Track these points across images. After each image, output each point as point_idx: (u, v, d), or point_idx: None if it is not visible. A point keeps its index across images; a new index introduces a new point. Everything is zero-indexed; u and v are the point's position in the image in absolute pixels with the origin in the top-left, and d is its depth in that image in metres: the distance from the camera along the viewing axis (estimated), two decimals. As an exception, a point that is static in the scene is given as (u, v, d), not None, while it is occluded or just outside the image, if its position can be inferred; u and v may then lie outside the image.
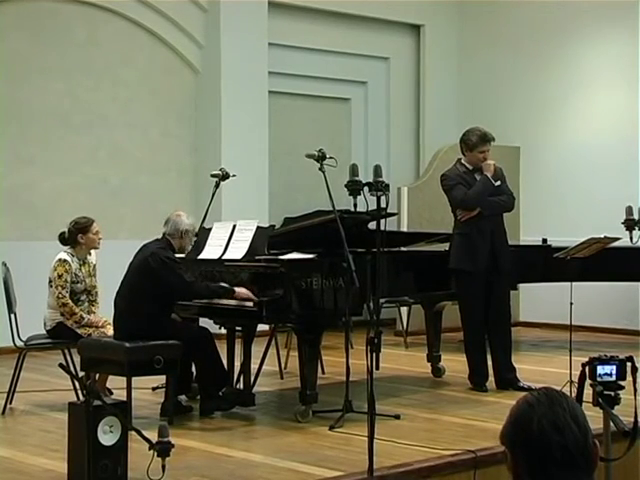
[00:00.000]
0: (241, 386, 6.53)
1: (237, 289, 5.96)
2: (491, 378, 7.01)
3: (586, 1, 10.86)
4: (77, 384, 5.90)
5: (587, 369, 3.52)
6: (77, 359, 6.22)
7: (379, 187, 5.21)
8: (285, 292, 5.78)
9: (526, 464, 2.08)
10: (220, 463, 5.02)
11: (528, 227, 10.53)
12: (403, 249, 7.42)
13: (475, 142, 6.94)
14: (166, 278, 5.99)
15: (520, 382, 6.91)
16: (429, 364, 7.66)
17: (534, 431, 2.07)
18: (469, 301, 7.00)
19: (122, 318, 6.11)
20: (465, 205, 6.95)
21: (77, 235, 6.64)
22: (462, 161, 7.09)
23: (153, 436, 4.32)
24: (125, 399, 5.56)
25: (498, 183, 7.00)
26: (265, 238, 6.30)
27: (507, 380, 6.95)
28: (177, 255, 6.23)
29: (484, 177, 6.96)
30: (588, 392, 3.51)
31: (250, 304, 5.91)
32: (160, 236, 6.25)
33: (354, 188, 5.42)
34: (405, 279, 6.97)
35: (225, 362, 6.41)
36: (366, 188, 5.31)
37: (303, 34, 10.91)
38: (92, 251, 6.78)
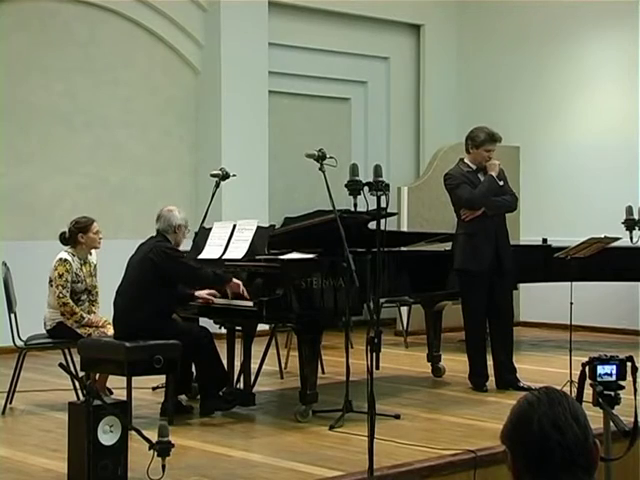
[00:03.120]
0: (241, 386, 6.54)
1: (235, 279, 6.04)
2: (491, 378, 7.01)
3: (586, 1, 10.86)
4: (77, 384, 5.90)
5: (587, 369, 3.52)
6: (77, 359, 6.22)
7: (379, 187, 5.21)
8: (285, 292, 5.78)
9: (526, 463, 2.08)
10: (220, 463, 5.02)
11: (528, 227, 10.53)
12: (403, 249, 7.42)
13: (483, 139, 6.94)
14: (172, 269, 6.02)
15: (520, 382, 6.91)
16: (429, 364, 7.65)
17: (534, 430, 2.07)
18: (472, 301, 6.99)
19: (122, 318, 6.11)
20: (471, 204, 6.93)
21: (78, 235, 6.64)
22: (465, 160, 7.08)
23: (153, 436, 4.32)
24: (125, 399, 5.56)
25: (501, 183, 7.01)
26: (265, 238, 6.30)
27: (507, 380, 6.95)
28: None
29: (490, 177, 6.95)
30: (588, 392, 3.50)
31: (249, 303, 5.91)
32: (154, 234, 6.27)
33: (354, 188, 5.42)
34: (405, 279, 6.96)
35: (225, 362, 6.41)
36: (366, 188, 5.31)
37: (303, 34, 10.91)
38: (93, 251, 6.78)
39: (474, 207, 6.93)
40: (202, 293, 6.16)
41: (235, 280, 6.04)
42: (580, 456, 2.07)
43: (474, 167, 7.02)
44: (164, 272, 6.04)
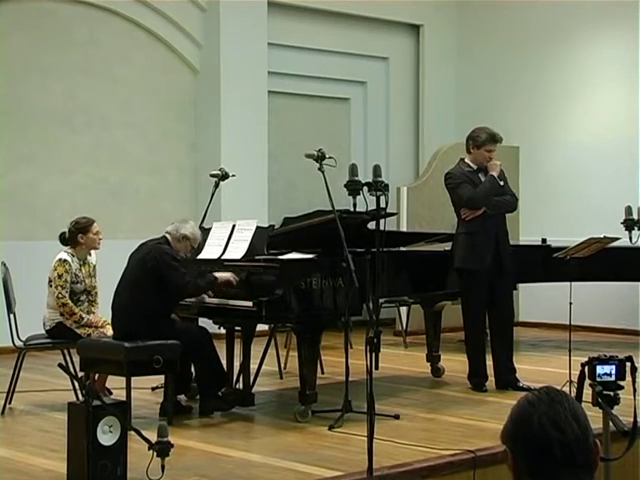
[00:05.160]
0: (240, 386, 6.53)
1: (218, 275, 6.05)
2: (491, 378, 7.01)
3: (586, 1, 10.86)
4: (76, 384, 5.90)
5: (586, 369, 3.52)
6: (76, 359, 6.22)
7: (378, 187, 5.21)
8: (284, 292, 5.78)
9: (527, 462, 2.08)
10: (219, 463, 5.02)
11: (527, 227, 10.53)
12: (402, 249, 7.42)
13: (484, 140, 6.94)
14: (166, 272, 5.99)
15: (519, 382, 6.91)
16: (428, 364, 7.65)
17: (534, 429, 2.07)
18: (472, 301, 6.99)
19: (121, 318, 6.11)
20: (472, 204, 6.93)
21: (77, 235, 6.63)
22: (466, 160, 7.08)
23: (152, 436, 4.32)
24: (124, 399, 5.56)
25: (502, 183, 7.01)
26: (264, 238, 6.30)
27: (507, 380, 6.94)
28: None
29: (491, 177, 6.95)
30: (587, 392, 3.50)
31: (249, 303, 5.90)
32: (159, 236, 6.26)
33: (353, 188, 5.42)
34: (405, 279, 6.96)
35: (224, 362, 6.40)
36: (365, 188, 5.31)
37: (303, 34, 10.91)
38: (92, 251, 6.77)
39: (475, 206, 6.93)
40: (225, 275, 6.10)
41: (221, 275, 6.05)
42: (580, 455, 2.07)
43: (475, 167, 7.02)
44: (159, 273, 6.01)
